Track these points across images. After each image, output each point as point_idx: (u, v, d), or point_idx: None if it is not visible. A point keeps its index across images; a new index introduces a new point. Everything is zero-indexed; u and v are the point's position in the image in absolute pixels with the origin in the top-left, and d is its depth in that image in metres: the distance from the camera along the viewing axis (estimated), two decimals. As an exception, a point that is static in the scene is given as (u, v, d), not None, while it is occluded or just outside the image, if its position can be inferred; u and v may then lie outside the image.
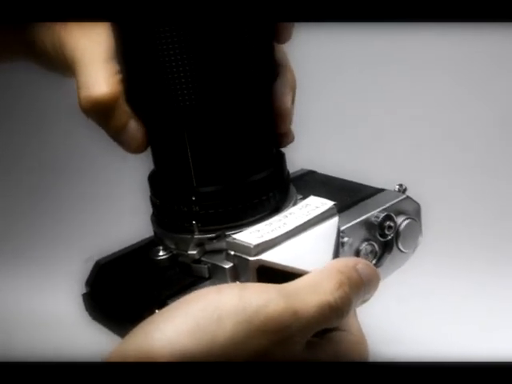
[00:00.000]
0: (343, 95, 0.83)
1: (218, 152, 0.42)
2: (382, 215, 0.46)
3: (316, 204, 0.44)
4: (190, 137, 0.42)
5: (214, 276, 0.42)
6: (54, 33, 0.44)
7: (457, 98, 0.81)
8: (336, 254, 0.43)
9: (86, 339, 0.61)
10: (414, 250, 0.49)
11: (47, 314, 0.79)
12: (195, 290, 0.41)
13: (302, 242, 0.42)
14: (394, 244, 0.48)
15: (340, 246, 0.45)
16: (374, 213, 0.46)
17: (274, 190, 0.44)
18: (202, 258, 0.43)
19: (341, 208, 0.46)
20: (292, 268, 0.41)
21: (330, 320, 0.40)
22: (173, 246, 0.44)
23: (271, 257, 0.41)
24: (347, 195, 0.49)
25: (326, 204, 0.43)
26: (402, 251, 0.48)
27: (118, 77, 0.42)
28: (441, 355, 0.61)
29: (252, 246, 0.40)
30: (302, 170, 0.54)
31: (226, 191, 0.42)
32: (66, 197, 0.91)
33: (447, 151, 0.82)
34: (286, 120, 0.45)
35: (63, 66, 0.44)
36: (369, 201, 0.48)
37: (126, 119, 0.42)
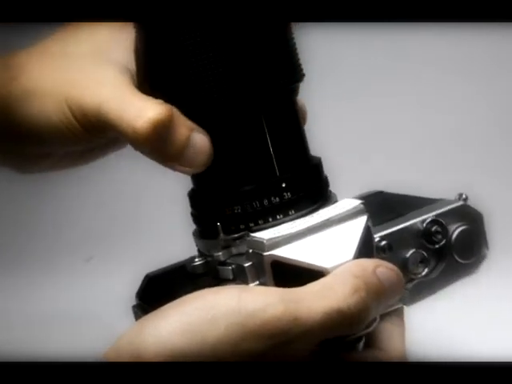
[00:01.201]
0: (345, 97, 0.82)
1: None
2: (428, 220, 0.44)
3: (344, 204, 0.42)
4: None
5: (238, 277, 0.41)
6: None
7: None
8: (367, 256, 0.41)
9: (86, 339, 0.60)
10: (478, 262, 0.46)
11: (47, 314, 0.80)
12: None
13: (322, 239, 0.40)
14: (448, 253, 0.45)
15: (379, 251, 0.43)
16: (421, 219, 0.44)
17: (302, 191, 0.43)
18: (228, 260, 0.42)
19: (390, 218, 0.45)
20: (308, 264, 0.39)
21: (341, 328, 0.38)
22: (206, 253, 0.44)
23: (286, 252, 0.40)
24: (404, 207, 0.47)
25: (353, 203, 0.42)
26: (458, 261, 0.45)
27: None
28: (441, 355, 0.59)
29: (265, 241, 0.40)
30: (370, 191, 0.53)
31: (257, 191, 0.42)
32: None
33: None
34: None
35: (90, 129, 0.42)
36: (421, 209, 0.46)
37: (189, 131, 0.41)
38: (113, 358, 0.37)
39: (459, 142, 0.81)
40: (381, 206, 0.49)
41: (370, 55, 0.82)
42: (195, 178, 0.45)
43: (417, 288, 0.44)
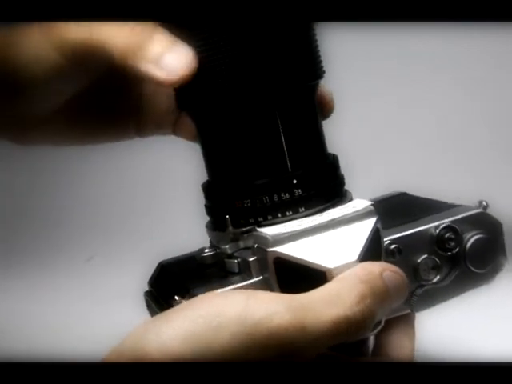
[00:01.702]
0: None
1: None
2: (442, 226, 0.43)
3: (355, 204, 0.42)
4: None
5: (243, 271, 0.41)
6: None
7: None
8: (374, 259, 0.40)
9: (86, 339, 0.61)
10: (493, 272, 0.45)
11: (47, 314, 0.79)
12: (222, 283, 0.41)
13: (328, 238, 0.40)
14: (462, 261, 0.44)
15: (388, 255, 0.42)
16: (435, 225, 0.43)
17: (314, 189, 0.42)
18: (235, 254, 0.42)
19: (405, 221, 0.44)
20: (310, 263, 0.39)
21: (348, 335, 0.37)
22: (216, 244, 0.44)
23: (290, 250, 0.39)
24: (422, 211, 0.46)
25: (363, 204, 0.41)
26: (472, 270, 0.44)
27: None
28: (442, 355, 0.58)
29: (269, 237, 0.39)
30: (393, 192, 0.52)
31: (267, 186, 0.42)
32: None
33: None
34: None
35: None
36: (437, 215, 0.45)
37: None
38: (114, 360, 0.36)
39: (484, 145, 0.80)
40: (400, 208, 0.48)
41: (386, 55, 0.82)
42: (210, 169, 0.45)
43: (427, 294, 0.44)
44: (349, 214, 0.41)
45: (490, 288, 0.69)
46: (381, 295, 0.38)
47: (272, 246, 0.39)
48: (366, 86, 0.83)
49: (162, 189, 0.90)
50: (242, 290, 0.39)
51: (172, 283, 0.45)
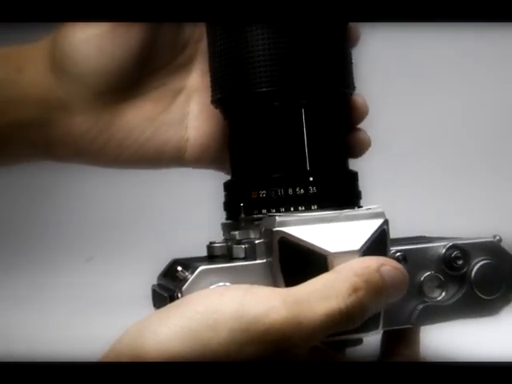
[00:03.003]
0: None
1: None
2: (449, 245, 0.44)
3: (368, 206, 0.43)
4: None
5: (249, 255, 0.42)
6: None
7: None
8: None
9: (86, 339, 0.60)
10: (500, 302, 0.44)
11: (47, 314, 0.79)
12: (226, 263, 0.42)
13: (334, 228, 0.41)
14: (468, 283, 0.44)
15: None
16: (443, 244, 0.44)
17: (329, 190, 0.44)
18: (243, 240, 0.43)
19: (416, 241, 0.45)
20: (312, 246, 0.40)
21: (340, 327, 0.38)
22: (227, 236, 0.45)
23: (295, 231, 0.40)
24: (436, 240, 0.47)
25: (374, 206, 0.42)
26: (478, 295, 0.44)
27: None
28: (442, 355, 0.56)
29: (277, 218, 0.41)
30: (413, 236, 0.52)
31: (284, 178, 0.44)
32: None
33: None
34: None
35: None
36: (449, 238, 0.45)
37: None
38: (112, 359, 0.37)
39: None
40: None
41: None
42: (233, 166, 0.47)
43: (429, 311, 0.43)
44: (359, 212, 0.42)
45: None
46: (375, 288, 0.38)
47: (278, 226, 0.40)
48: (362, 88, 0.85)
49: (166, 189, 0.90)
50: (239, 286, 0.39)
51: None
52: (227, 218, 0.47)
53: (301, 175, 0.44)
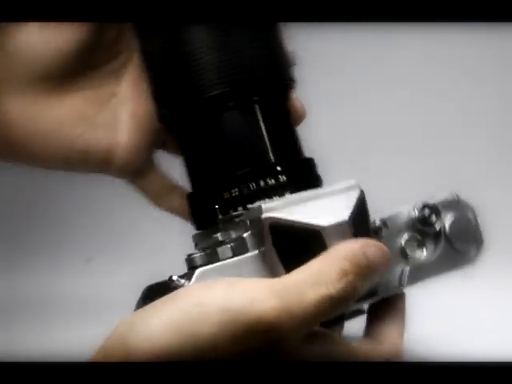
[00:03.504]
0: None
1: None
2: (421, 204, 0.46)
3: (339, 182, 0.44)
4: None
5: (237, 252, 0.42)
6: None
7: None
8: (363, 232, 0.42)
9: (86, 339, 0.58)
10: (475, 251, 0.47)
11: (47, 314, 0.78)
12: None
13: (318, 205, 0.41)
14: (444, 238, 0.46)
15: (375, 232, 0.44)
16: (413, 205, 0.46)
17: (297, 176, 0.45)
18: (226, 240, 0.43)
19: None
20: (305, 224, 0.40)
21: (332, 312, 0.38)
22: (205, 245, 0.44)
23: (284, 214, 0.41)
24: None
25: (347, 180, 0.43)
26: (454, 248, 0.46)
27: None
28: (441, 355, 0.58)
29: (262, 205, 0.41)
30: None
31: (253, 173, 0.44)
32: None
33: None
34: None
35: None
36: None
37: None
38: (103, 355, 0.36)
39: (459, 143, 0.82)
40: None
41: (370, 56, 0.84)
42: (193, 174, 0.46)
43: (416, 271, 0.45)
44: (335, 187, 0.43)
45: (485, 288, 0.71)
46: (363, 270, 0.39)
47: (266, 212, 0.41)
48: (362, 88, 0.85)
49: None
50: (225, 279, 0.39)
51: None
52: (198, 229, 0.46)
53: (268, 167, 0.44)
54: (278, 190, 0.44)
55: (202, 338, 0.35)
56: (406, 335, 0.45)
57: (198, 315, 0.35)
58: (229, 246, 0.42)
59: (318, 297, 0.37)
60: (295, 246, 0.40)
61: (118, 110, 0.49)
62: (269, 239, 0.41)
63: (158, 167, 0.50)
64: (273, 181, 0.44)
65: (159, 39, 0.45)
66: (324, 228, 0.40)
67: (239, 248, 0.42)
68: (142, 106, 0.48)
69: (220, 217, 0.44)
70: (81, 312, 0.78)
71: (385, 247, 0.41)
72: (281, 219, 0.40)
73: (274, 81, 0.45)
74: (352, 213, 0.41)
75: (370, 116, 0.87)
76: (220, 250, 0.42)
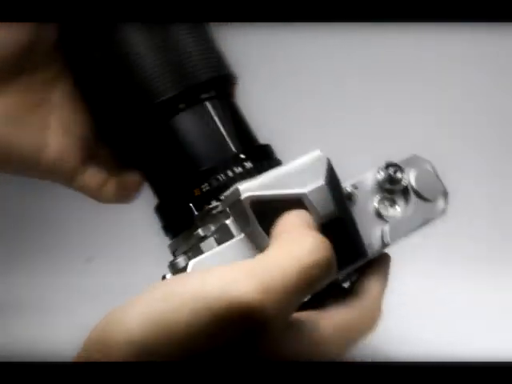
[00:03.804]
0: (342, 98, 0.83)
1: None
2: (385, 165, 0.47)
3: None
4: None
5: (223, 241, 0.42)
6: None
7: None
8: (339, 195, 0.43)
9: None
10: (444, 201, 0.48)
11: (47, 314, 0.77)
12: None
13: (291, 176, 0.42)
14: (413, 193, 0.47)
15: (348, 198, 0.45)
16: (380, 166, 0.47)
17: (262, 160, 0.46)
18: (208, 234, 0.43)
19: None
20: (287, 195, 0.41)
21: (319, 282, 0.36)
22: (185, 248, 0.45)
23: (262, 190, 0.41)
24: None
25: (313, 152, 0.44)
26: (425, 199, 0.48)
27: None
28: (441, 355, 0.58)
29: (239, 187, 0.41)
30: None
31: (219, 166, 0.45)
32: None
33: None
34: None
35: None
36: None
37: None
38: (84, 355, 0.36)
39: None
40: None
41: (369, 56, 0.85)
42: (156, 186, 0.48)
43: (394, 229, 0.46)
44: (303, 159, 0.43)
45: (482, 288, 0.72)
46: None
47: (244, 193, 0.41)
48: (362, 88, 0.85)
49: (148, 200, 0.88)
50: (198, 271, 0.37)
51: None
52: (173, 238, 0.46)
53: (232, 157, 0.45)
54: (246, 177, 0.44)
55: (177, 327, 0.33)
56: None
57: (173, 304, 0.34)
58: (212, 238, 0.43)
59: (297, 268, 0.35)
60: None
61: (49, 116, 0.49)
62: (253, 218, 0.41)
63: (90, 165, 0.51)
64: (240, 168, 0.45)
65: (94, 55, 0.46)
66: (305, 194, 0.41)
67: (224, 236, 0.42)
68: (74, 114, 0.49)
69: (196, 213, 0.44)
70: (81, 311, 0.77)
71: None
72: (261, 195, 0.41)
73: (220, 78, 0.47)
74: (326, 177, 0.42)
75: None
76: (203, 244, 0.43)
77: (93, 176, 0.50)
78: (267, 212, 0.41)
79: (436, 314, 0.72)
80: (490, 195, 0.81)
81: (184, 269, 0.41)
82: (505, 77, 0.82)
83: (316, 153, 0.44)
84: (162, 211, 0.47)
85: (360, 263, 0.44)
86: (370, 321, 0.42)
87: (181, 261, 0.43)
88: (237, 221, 0.42)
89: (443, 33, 0.77)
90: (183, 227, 0.45)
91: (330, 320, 0.39)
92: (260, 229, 0.41)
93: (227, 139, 0.46)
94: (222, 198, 0.43)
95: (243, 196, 0.41)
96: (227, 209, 0.42)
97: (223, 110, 0.47)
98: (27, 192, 0.92)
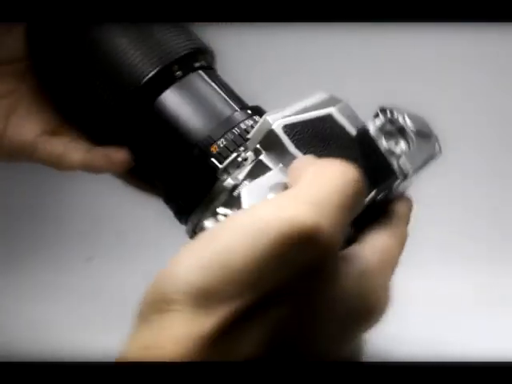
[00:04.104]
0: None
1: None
2: (379, 108, 0.46)
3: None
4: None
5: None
6: None
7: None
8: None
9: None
10: (437, 143, 0.48)
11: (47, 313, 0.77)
12: None
13: (309, 103, 0.43)
14: (411, 133, 0.46)
15: None
16: (373, 114, 0.46)
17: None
18: (240, 180, 0.43)
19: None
20: (315, 114, 0.42)
21: (360, 199, 0.35)
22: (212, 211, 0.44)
23: (291, 116, 0.42)
24: None
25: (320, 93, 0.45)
26: (422, 135, 0.46)
27: None
28: (441, 355, 0.59)
29: (267, 118, 0.41)
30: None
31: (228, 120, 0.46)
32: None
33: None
34: None
35: None
36: None
37: None
38: (142, 319, 0.32)
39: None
40: None
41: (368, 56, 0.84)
42: (169, 158, 0.47)
43: (409, 159, 0.45)
44: (311, 97, 0.44)
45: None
46: None
47: (274, 121, 0.41)
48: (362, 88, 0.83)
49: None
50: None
51: None
52: (191, 213, 0.45)
53: (239, 111, 0.46)
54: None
55: (235, 261, 0.31)
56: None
57: (226, 239, 0.32)
58: (246, 181, 0.42)
59: (339, 187, 0.34)
60: (313, 138, 0.41)
61: (16, 104, 0.51)
62: (289, 142, 0.41)
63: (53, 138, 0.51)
64: (250, 121, 0.45)
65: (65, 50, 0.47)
66: (333, 110, 0.42)
67: (260, 174, 0.41)
68: (42, 106, 0.51)
69: (220, 166, 0.44)
70: (81, 311, 0.77)
71: None
72: (290, 120, 0.41)
73: (204, 50, 0.48)
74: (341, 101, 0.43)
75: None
76: (237, 193, 0.42)
77: (55, 146, 0.50)
78: (299, 136, 0.41)
79: (436, 314, 0.72)
80: (490, 195, 0.81)
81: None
82: (505, 77, 0.82)
83: (323, 94, 0.44)
84: (174, 191, 0.46)
85: (391, 183, 0.43)
86: (403, 245, 0.41)
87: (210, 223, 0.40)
88: (271, 153, 0.41)
89: (443, 33, 0.77)
90: (204, 192, 0.44)
91: (373, 250, 0.38)
92: (297, 151, 0.41)
93: (228, 99, 0.47)
94: (249, 136, 0.43)
95: (275, 124, 0.41)
96: (257, 146, 0.42)
97: (216, 77, 0.48)
98: (27, 191, 0.93)
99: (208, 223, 0.36)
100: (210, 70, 0.48)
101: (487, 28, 0.71)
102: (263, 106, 0.49)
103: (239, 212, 0.35)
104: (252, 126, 0.44)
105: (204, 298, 0.31)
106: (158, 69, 0.45)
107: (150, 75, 0.45)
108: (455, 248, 0.79)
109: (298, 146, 0.41)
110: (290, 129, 0.41)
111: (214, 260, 0.31)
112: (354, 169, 0.35)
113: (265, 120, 0.41)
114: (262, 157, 0.41)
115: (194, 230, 0.45)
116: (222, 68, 0.81)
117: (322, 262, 0.33)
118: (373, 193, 0.40)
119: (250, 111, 0.46)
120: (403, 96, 0.82)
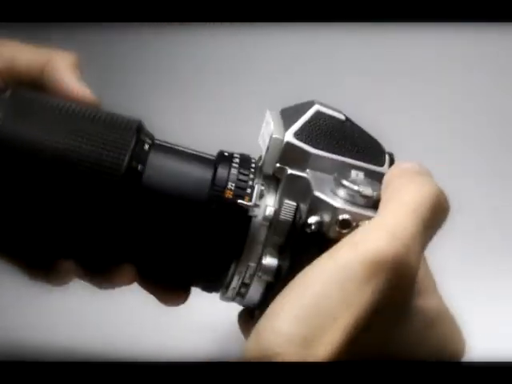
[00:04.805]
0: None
1: None
2: None
3: None
4: None
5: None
6: None
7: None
8: None
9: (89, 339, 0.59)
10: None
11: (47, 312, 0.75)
12: None
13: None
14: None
15: None
16: None
17: None
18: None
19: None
20: (307, 116, 0.44)
21: (442, 220, 0.39)
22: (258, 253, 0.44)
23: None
24: None
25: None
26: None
27: None
28: None
29: (274, 136, 0.43)
30: None
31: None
32: None
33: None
34: None
35: None
36: None
37: None
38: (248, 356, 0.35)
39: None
40: None
41: (368, 56, 0.85)
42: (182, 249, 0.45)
43: None
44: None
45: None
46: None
47: (283, 135, 0.44)
48: (362, 88, 0.85)
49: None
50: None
51: None
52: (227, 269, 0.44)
53: (227, 158, 0.46)
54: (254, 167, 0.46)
55: (329, 300, 0.35)
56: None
57: (317, 280, 0.36)
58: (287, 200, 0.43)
59: (421, 213, 0.37)
60: (320, 135, 0.44)
61: None
62: (308, 147, 0.44)
63: None
64: (236, 155, 0.46)
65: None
66: (317, 106, 0.45)
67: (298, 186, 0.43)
68: None
69: (251, 203, 0.43)
70: (81, 311, 0.77)
71: None
72: (296, 128, 0.44)
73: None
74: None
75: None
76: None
77: None
78: (310, 137, 0.44)
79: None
80: (490, 195, 0.81)
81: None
82: (505, 77, 0.82)
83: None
84: (198, 260, 0.43)
85: None
86: None
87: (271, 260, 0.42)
88: (295, 164, 0.43)
89: (443, 33, 0.77)
90: (242, 237, 0.43)
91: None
92: (317, 150, 0.43)
93: (197, 151, 0.46)
94: (253, 166, 0.44)
95: (286, 137, 0.43)
96: (277, 165, 0.43)
97: (166, 142, 0.46)
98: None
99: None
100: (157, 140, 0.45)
101: (487, 28, 0.72)
102: (262, 106, 0.49)
103: (323, 257, 0.37)
104: (241, 157, 0.44)
105: (306, 343, 0.34)
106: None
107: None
108: (455, 248, 0.79)
109: (314, 146, 0.43)
110: (299, 134, 0.43)
111: (310, 310, 0.35)
112: (442, 192, 0.38)
113: (274, 139, 0.42)
114: (290, 171, 0.43)
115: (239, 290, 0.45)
116: (222, 68, 0.81)
117: (408, 276, 0.37)
118: None
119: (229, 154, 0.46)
120: (403, 96, 0.84)
